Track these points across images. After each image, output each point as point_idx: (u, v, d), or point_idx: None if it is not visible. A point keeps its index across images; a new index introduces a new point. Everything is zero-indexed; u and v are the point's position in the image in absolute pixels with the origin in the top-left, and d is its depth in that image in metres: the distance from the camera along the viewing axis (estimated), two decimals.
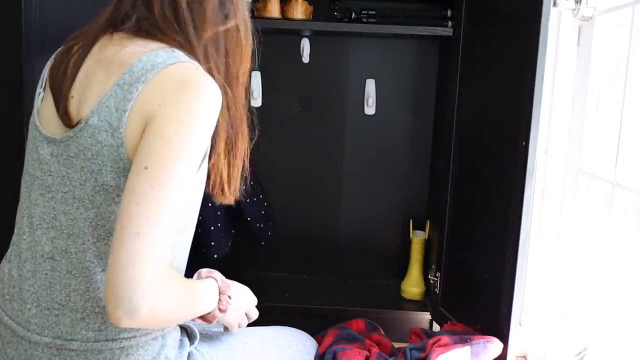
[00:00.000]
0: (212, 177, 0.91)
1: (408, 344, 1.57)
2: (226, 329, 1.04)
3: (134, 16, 0.85)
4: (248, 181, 0.99)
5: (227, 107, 0.88)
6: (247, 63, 0.93)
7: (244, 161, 0.95)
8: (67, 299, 0.82)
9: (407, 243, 2.21)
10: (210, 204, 1.68)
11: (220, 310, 0.92)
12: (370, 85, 2.15)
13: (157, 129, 0.76)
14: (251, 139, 0.97)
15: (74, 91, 0.83)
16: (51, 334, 0.83)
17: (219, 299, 0.92)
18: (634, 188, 1.50)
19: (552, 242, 1.87)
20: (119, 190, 0.79)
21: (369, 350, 1.54)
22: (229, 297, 0.93)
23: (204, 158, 0.85)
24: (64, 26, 0.91)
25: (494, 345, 1.47)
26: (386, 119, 2.18)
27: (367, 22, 1.92)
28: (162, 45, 0.83)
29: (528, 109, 1.42)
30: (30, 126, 0.89)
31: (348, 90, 2.18)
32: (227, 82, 0.89)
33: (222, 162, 0.91)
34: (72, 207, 0.81)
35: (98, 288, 0.82)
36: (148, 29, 0.84)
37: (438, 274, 1.93)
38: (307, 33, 2.05)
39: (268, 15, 1.90)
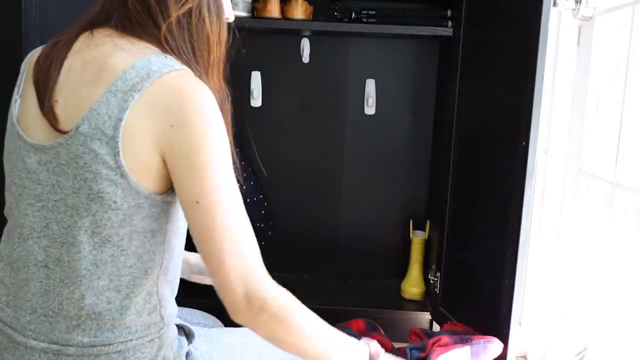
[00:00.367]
0: None
1: (408, 344, 1.57)
2: (227, 325, 1.03)
3: (115, 14, 0.84)
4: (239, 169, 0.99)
5: None
6: (221, 48, 0.92)
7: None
8: (60, 307, 0.82)
9: (407, 243, 2.21)
10: None
11: None
12: (370, 85, 2.15)
13: (184, 160, 0.77)
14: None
15: (58, 94, 0.81)
16: (47, 339, 0.82)
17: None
18: (634, 188, 1.50)
19: (552, 242, 1.87)
20: (115, 197, 0.78)
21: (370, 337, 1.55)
22: None
23: None
24: (64, 26, 0.91)
25: (494, 345, 1.47)
26: (386, 119, 2.18)
27: (367, 22, 1.92)
28: (148, 45, 0.82)
29: (528, 109, 1.42)
30: (10, 137, 0.86)
31: (348, 90, 2.17)
32: (203, 70, 0.89)
33: None
34: (65, 215, 0.80)
35: (94, 295, 0.81)
36: (128, 26, 0.84)
37: (438, 274, 1.93)
38: (307, 33, 2.05)
39: (268, 15, 1.90)
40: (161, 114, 0.77)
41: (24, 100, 0.86)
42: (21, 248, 0.84)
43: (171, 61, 0.81)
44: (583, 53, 1.77)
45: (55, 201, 0.80)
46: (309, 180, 2.22)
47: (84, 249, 0.80)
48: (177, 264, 0.93)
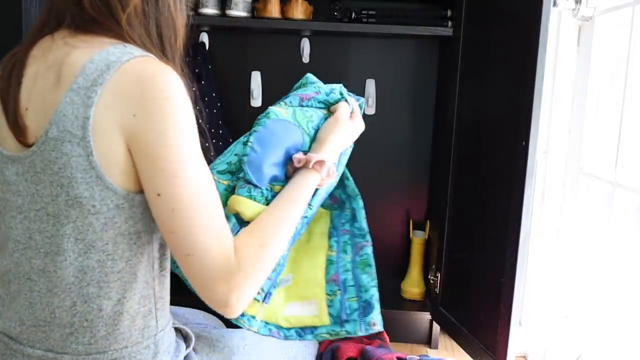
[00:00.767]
0: None
1: (408, 343, 1.57)
2: (228, 324, 1.02)
3: (68, 14, 0.81)
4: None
5: None
6: (185, 31, 0.89)
7: None
8: (52, 315, 0.81)
9: (407, 243, 2.21)
10: None
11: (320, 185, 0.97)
12: (370, 85, 2.15)
13: (145, 150, 0.74)
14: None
15: (26, 101, 0.79)
16: (43, 347, 0.82)
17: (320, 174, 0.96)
18: (634, 188, 1.50)
19: (552, 242, 1.87)
20: (93, 201, 0.76)
21: (369, 344, 1.56)
22: (327, 171, 0.97)
23: None
24: None
25: None
26: (386, 119, 2.18)
27: (367, 22, 1.92)
28: (107, 39, 0.80)
29: (528, 109, 1.42)
30: None
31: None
32: (170, 56, 0.86)
33: None
34: (48, 224, 0.78)
35: (85, 302, 0.80)
36: (84, 25, 0.80)
37: (438, 274, 1.93)
38: (307, 33, 2.05)
39: (268, 15, 1.90)
40: (124, 104, 0.74)
41: None
42: (8, 261, 0.82)
43: (131, 49, 0.78)
44: (583, 53, 1.78)
45: (37, 211, 0.78)
46: None
47: (69, 256, 0.78)
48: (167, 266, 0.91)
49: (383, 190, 2.22)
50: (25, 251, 0.80)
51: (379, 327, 1.07)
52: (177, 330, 0.96)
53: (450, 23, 1.90)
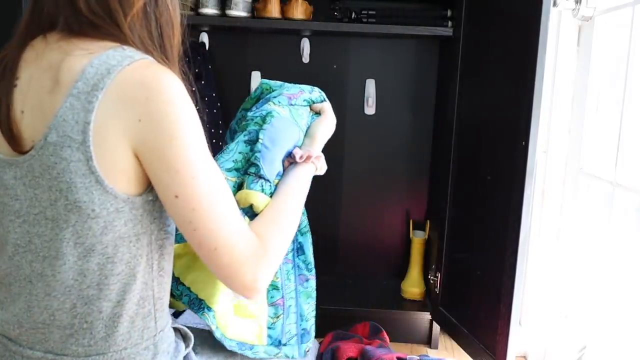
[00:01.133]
0: None
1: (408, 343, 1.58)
2: None
3: (61, 17, 0.79)
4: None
5: None
6: (179, 32, 0.89)
7: None
8: (52, 318, 0.81)
9: (407, 243, 2.21)
10: None
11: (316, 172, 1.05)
12: (370, 85, 2.15)
13: (157, 154, 0.75)
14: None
15: (21, 104, 0.78)
16: (42, 348, 0.82)
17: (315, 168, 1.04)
18: (634, 188, 1.50)
19: (552, 242, 1.87)
20: (93, 205, 0.75)
21: (369, 344, 1.56)
22: (320, 161, 1.04)
23: None
24: None
25: None
26: (386, 119, 2.18)
27: (367, 22, 1.92)
28: (105, 43, 0.78)
29: (528, 109, 1.42)
30: None
31: (348, 90, 2.18)
32: (170, 56, 0.86)
33: None
34: (46, 228, 0.78)
35: (85, 304, 0.80)
36: (81, 29, 0.79)
37: (438, 274, 1.93)
38: (307, 33, 2.05)
39: (268, 15, 1.90)
40: (127, 109, 0.74)
41: None
42: (8, 265, 0.82)
43: (130, 52, 0.77)
44: (583, 53, 1.78)
45: (35, 215, 0.78)
46: None
47: (68, 260, 0.78)
48: (170, 263, 0.91)
49: (383, 190, 2.22)
50: (25, 254, 0.80)
51: (311, 354, 1.18)
52: (176, 330, 0.96)
53: (450, 23, 1.90)
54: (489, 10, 1.65)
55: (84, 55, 0.76)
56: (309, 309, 1.17)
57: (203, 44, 2.05)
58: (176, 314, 1.18)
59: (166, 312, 0.90)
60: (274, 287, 1.11)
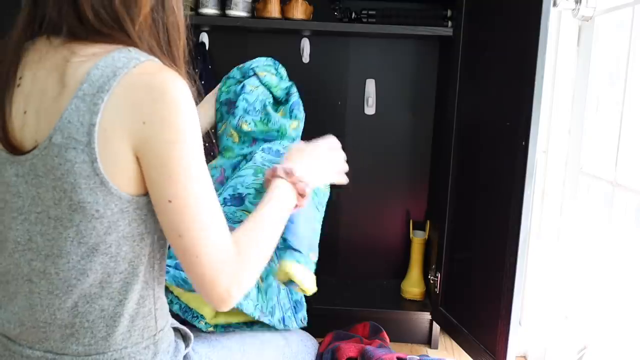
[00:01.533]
0: None
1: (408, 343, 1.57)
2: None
3: (64, 26, 0.78)
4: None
5: None
6: (184, 34, 0.89)
7: None
8: (53, 317, 0.81)
9: (407, 243, 2.21)
10: None
11: (301, 196, 0.99)
12: (370, 85, 2.15)
13: (155, 157, 0.75)
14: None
15: (24, 105, 0.78)
16: (42, 347, 0.82)
17: (295, 189, 0.98)
18: (634, 188, 1.50)
19: (552, 242, 1.87)
20: (97, 206, 0.76)
21: (369, 344, 1.56)
22: (300, 182, 0.99)
23: None
24: None
25: None
26: (386, 119, 2.18)
27: (367, 22, 1.92)
28: (111, 45, 0.78)
29: (528, 109, 1.42)
30: None
31: (348, 90, 2.18)
32: (177, 59, 0.86)
33: None
34: (49, 227, 0.78)
35: (87, 302, 0.80)
36: (87, 36, 0.78)
37: (438, 274, 1.93)
38: (307, 33, 2.05)
39: (268, 15, 1.90)
40: (132, 111, 0.74)
41: None
42: (7, 262, 0.82)
43: (136, 54, 0.77)
44: (583, 53, 1.78)
45: (38, 213, 0.78)
46: None
47: (72, 259, 0.78)
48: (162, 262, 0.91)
49: (383, 190, 2.22)
50: (25, 253, 0.80)
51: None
52: (176, 329, 0.96)
53: (450, 23, 1.90)
54: (489, 10, 1.65)
55: (89, 57, 0.76)
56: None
57: (203, 43, 2.05)
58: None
59: (166, 312, 0.90)
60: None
